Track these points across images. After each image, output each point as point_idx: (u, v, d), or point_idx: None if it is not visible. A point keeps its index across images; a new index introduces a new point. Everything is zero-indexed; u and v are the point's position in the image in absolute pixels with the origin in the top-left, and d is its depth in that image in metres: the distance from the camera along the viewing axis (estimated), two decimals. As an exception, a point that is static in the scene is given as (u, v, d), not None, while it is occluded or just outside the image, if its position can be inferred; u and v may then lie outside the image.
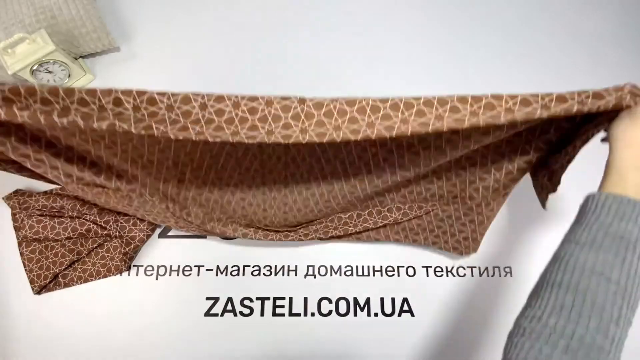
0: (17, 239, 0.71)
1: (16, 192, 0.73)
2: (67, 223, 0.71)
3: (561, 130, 0.46)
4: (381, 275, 0.72)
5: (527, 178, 0.55)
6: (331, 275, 0.72)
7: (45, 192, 0.73)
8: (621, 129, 0.39)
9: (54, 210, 0.71)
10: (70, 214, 0.71)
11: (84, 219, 0.71)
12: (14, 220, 0.71)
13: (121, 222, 0.72)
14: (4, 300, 0.70)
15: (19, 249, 0.70)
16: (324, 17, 0.92)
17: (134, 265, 0.72)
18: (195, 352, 0.68)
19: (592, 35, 0.89)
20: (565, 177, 0.47)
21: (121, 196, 0.56)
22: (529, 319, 0.34)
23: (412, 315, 0.69)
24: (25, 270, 0.70)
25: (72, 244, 0.71)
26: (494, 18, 0.91)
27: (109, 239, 0.72)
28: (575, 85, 0.40)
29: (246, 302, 0.71)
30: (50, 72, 0.78)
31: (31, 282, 0.70)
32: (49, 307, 0.70)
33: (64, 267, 0.70)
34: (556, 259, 0.36)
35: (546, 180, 0.50)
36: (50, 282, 0.71)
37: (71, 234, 0.71)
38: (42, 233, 0.70)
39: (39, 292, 0.70)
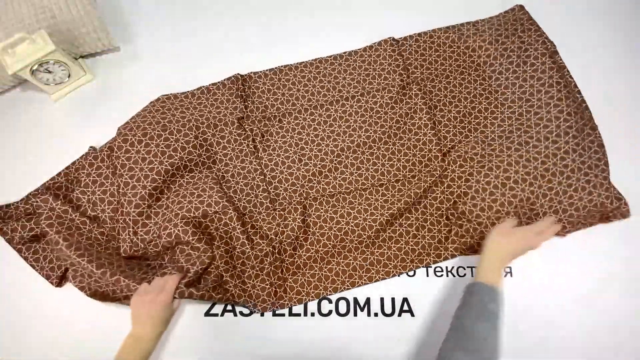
0: (15, 248, 0.70)
1: None
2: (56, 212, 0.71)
3: None
4: (381, 275, 0.72)
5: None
6: (331, 275, 0.72)
7: (22, 199, 0.74)
8: (490, 240, 0.62)
9: (39, 209, 0.71)
10: (53, 206, 0.71)
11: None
12: (3, 234, 0.71)
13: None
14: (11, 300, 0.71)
15: (21, 256, 0.70)
16: (327, 19, 0.92)
17: (134, 265, 0.72)
18: (195, 352, 0.67)
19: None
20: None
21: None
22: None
23: (412, 315, 0.69)
24: (37, 271, 0.70)
25: (67, 228, 0.71)
26: None
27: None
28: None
29: (246, 302, 0.71)
30: (50, 72, 0.78)
31: (47, 277, 0.70)
32: (46, 307, 0.70)
33: None
34: (457, 328, 0.54)
35: None
36: (67, 271, 0.71)
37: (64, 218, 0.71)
38: (37, 229, 0.70)
39: (59, 284, 0.70)
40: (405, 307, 0.70)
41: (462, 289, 0.70)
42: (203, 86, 0.83)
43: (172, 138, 0.75)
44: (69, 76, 0.81)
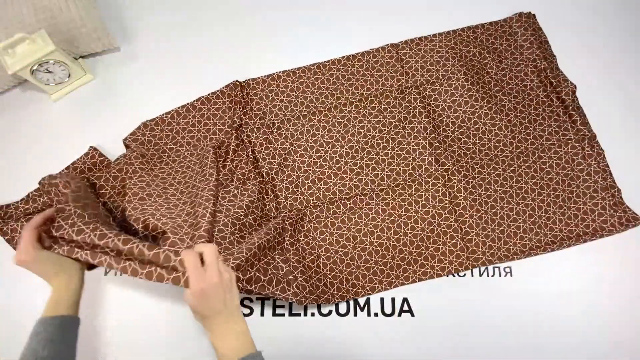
0: (15, 249, 0.70)
1: None
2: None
3: None
4: (381, 275, 0.72)
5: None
6: (331, 275, 0.72)
7: (22, 199, 0.73)
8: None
9: (37, 209, 0.71)
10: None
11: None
12: (3, 234, 0.70)
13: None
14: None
15: None
16: (326, 16, 0.92)
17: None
18: (195, 351, 0.67)
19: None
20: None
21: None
22: None
23: (412, 315, 0.69)
24: None
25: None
26: None
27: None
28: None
29: (246, 302, 0.70)
30: (50, 72, 0.78)
31: None
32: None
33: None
34: None
35: None
36: None
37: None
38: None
39: None
40: (405, 307, 0.70)
41: (462, 289, 0.71)
42: (202, 96, 0.83)
43: (186, 162, 0.77)
44: (69, 76, 0.81)
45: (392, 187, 0.76)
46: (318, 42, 0.88)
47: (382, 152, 0.79)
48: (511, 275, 0.71)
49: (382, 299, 0.70)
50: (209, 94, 0.83)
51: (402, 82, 0.83)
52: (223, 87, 0.83)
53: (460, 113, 0.80)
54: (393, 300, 0.70)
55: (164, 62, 0.88)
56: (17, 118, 0.83)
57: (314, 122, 0.81)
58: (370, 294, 0.70)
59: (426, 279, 0.70)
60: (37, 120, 0.83)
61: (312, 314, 0.70)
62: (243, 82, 0.84)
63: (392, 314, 0.70)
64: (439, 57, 0.85)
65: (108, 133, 0.80)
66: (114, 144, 0.80)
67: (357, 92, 0.83)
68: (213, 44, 0.89)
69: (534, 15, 0.87)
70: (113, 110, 0.83)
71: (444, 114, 0.80)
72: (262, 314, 0.70)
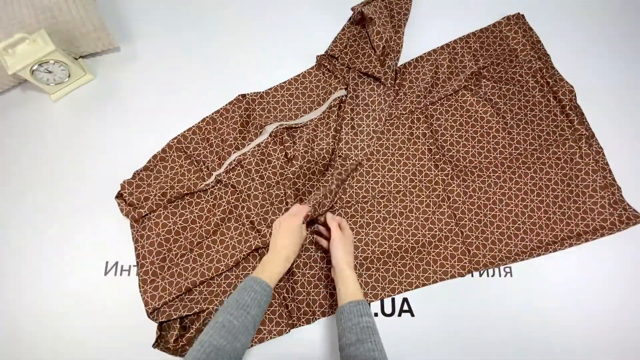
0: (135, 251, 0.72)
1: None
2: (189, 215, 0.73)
3: None
4: (381, 275, 0.72)
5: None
6: (331, 275, 0.72)
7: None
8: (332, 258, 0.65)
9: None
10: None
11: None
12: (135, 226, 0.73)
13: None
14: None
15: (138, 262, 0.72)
16: (323, 16, 0.92)
17: (134, 266, 0.72)
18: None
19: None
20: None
21: None
22: None
23: (412, 315, 0.69)
24: (140, 291, 0.69)
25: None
26: None
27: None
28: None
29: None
30: (50, 72, 0.78)
31: (145, 303, 0.68)
32: (43, 311, 0.70)
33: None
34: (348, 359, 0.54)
35: None
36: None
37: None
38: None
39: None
40: (405, 307, 0.70)
41: (462, 289, 0.71)
42: (207, 116, 0.80)
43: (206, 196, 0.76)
44: (69, 76, 0.81)
45: (393, 194, 0.76)
46: (318, 39, 0.88)
47: (382, 159, 0.78)
48: (511, 276, 0.71)
49: (382, 299, 0.71)
50: (213, 114, 0.81)
51: (407, 105, 0.82)
52: (227, 105, 0.81)
53: (457, 117, 0.80)
54: (393, 300, 0.70)
55: (164, 62, 0.88)
56: (17, 118, 0.83)
57: (310, 129, 0.80)
58: (372, 301, 0.70)
59: (429, 284, 0.70)
60: (37, 120, 0.83)
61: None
62: (247, 97, 0.82)
63: (392, 314, 0.70)
64: (437, 78, 0.84)
65: (108, 133, 0.80)
66: (114, 144, 0.80)
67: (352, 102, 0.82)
68: (213, 44, 0.89)
69: (522, 16, 0.87)
70: (113, 110, 0.83)
71: (442, 118, 0.80)
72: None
